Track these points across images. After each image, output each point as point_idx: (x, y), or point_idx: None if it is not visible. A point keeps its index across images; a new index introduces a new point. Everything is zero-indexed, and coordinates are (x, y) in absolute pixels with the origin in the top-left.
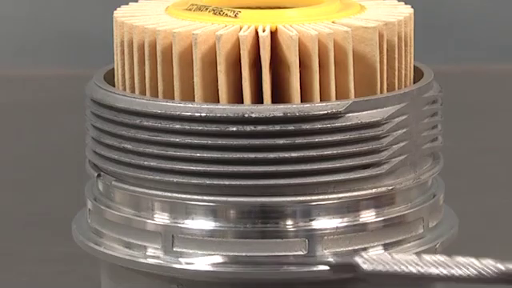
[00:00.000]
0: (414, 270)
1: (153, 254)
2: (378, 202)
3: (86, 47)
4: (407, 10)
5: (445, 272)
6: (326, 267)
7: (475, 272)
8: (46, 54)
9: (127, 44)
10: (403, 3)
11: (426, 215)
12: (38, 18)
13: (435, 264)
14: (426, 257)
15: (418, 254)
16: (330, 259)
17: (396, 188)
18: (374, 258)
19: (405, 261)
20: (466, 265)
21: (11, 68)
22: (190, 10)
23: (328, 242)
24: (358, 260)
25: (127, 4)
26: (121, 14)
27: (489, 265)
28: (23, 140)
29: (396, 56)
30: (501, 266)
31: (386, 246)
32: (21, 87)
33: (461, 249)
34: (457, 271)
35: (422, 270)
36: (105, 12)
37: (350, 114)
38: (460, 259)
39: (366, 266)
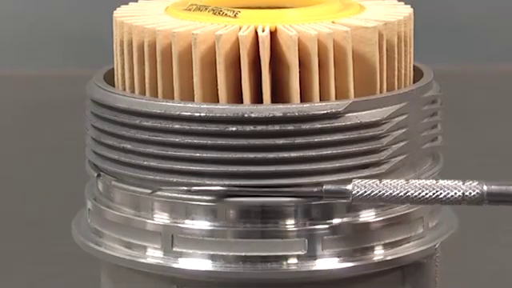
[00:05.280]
0: (401, 193)
1: (153, 254)
2: None
3: (86, 47)
4: (407, 10)
5: (430, 194)
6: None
7: (460, 193)
8: (47, 54)
9: (127, 44)
10: (403, 3)
11: (426, 215)
12: (38, 18)
13: (422, 187)
14: (413, 181)
15: (406, 179)
16: (325, 187)
17: None
18: (363, 183)
19: (392, 185)
20: (451, 187)
21: (11, 68)
22: (190, 9)
23: (328, 241)
24: (349, 187)
25: (127, 4)
26: (120, 14)
27: (473, 186)
28: (23, 140)
29: (396, 56)
30: (484, 187)
31: (386, 246)
32: (21, 87)
33: (460, 248)
34: (442, 193)
35: (409, 193)
36: (104, 12)
37: (350, 114)
38: (445, 182)
39: (355, 191)
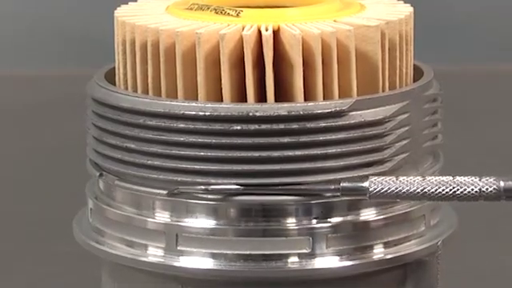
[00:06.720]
0: (418, 190)
1: (155, 253)
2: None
3: (86, 47)
4: (407, 9)
5: (447, 190)
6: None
7: (477, 189)
8: (47, 54)
9: (129, 43)
10: (402, 2)
11: (428, 213)
12: (38, 18)
13: (438, 184)
14: (430, 177)
15: (422, 175)
16: (342, 184)
17: None
18: (380, 180)
19: (409, 182)
20: (468, 183)
21: (11, 68)
22: (192, 9)
23: (332, 240)
24: (366, 184)
25: (127, 4)
26: (122, 13)
27: (489, 182)
28: (23, 140)
29: (397, 54)
30: (501, 183)
31: (389, 244)
32: (21, 87)
33: (461, 247)
34: (459, 189)
35: (425, 190)
36: (104, 12)
37: (354, 113)
38: (462, 178)
39: (372, 188)
